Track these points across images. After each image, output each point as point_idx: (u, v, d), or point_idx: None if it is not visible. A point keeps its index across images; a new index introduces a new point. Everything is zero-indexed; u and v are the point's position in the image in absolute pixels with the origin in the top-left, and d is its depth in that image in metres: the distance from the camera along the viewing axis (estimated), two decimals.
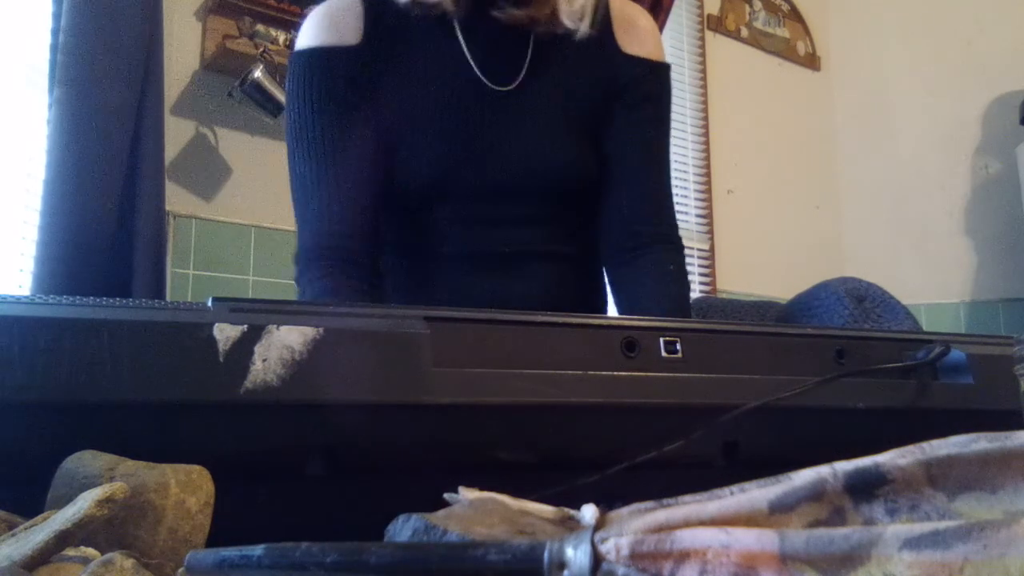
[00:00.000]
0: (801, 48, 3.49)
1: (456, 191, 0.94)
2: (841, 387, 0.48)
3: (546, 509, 0.29)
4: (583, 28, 0.96)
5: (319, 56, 0.92)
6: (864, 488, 0.24)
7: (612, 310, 1.09)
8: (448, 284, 0.96)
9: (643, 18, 1.07)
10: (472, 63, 0.95)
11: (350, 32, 0.93)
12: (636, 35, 1.04)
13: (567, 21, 0.95)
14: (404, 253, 0.98)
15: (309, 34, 0.93)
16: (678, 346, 0.47)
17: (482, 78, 0.95)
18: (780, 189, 3.32)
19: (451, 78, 0.95)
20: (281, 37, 2.25)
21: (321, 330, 0.38)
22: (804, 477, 0.24)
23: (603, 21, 1.02)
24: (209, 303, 0.39)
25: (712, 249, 3.05)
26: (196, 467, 0.32)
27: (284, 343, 0.38)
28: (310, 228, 0.91)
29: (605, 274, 1.06)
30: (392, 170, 0.94)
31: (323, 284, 0.88)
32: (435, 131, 0.94)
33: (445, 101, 0.94)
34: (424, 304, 0.90)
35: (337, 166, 0.90)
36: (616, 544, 0.22)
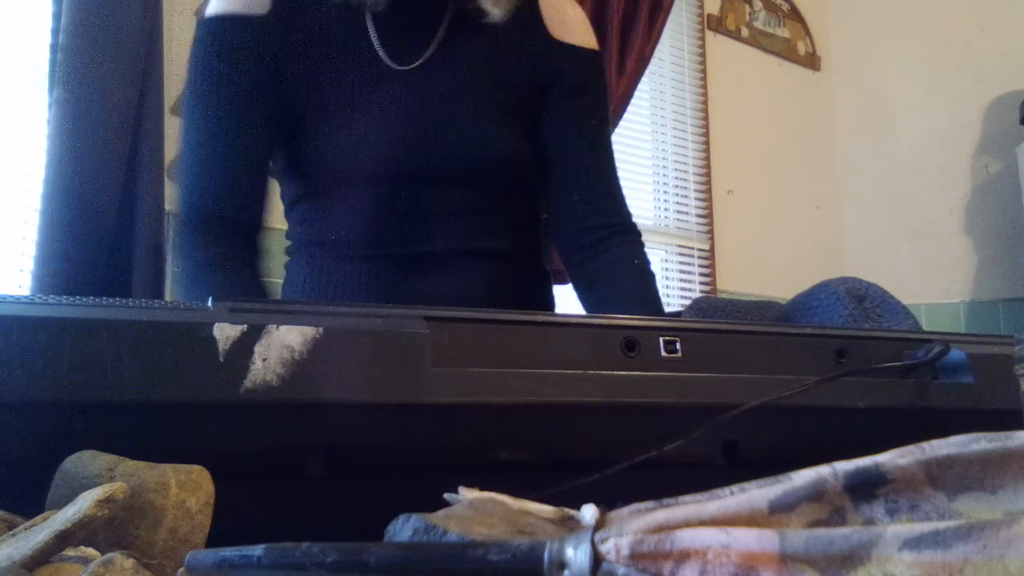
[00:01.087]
0: (801, 48, 3.49)
1: (372, 178, 0.91)
2: (841, 387, 0.48)
3: (546, 509, 0.29)
4: (499, 13, 0.93)
5: (223, 23, 0.90)
6: (864, 488, 0.24)
7: (561, 310, 1.06)
8: (371, 289, 0.91)
9: (572, 7, 1.05)
10: (375, 41, 0.92)
11: (257, 2, 0.90)
12: (567, 23, 1.01)
13: (484, 4, 0.92)
14: (325, 255, 0.94)
15: (216, 1, 0.91)
16: (678, 346, 0.47)
17: (383, 57, 0.92)
18: (780, 189, 3.32)
19: (354, 56, 0.92)
20: None
21: (321, 330, 0.38)
22: (804, 477, 0.24)
23: (531, 10, 0.99)
24: (209, 303, 0.39)
25: (712, 249, 3.05)
26: (196, 467, 0.32)
27: (284, 343, 0.38)
28: (193, 194, 0.89)
29: (567, 273, 1.02)
30: (302, 149, 0.92)
31: (210, 252, 0.88)
32: (339, 111, 0.91)
33: (348, 80, 0.91)
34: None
35: (227, 139, 0.89)
36: (616, 544, 0.22)
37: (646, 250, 1.03)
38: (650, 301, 0.97)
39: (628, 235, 1.00)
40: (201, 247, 0.88)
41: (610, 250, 0.98)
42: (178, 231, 0.91)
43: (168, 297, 2.03)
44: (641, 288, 0.98)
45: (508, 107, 0.96)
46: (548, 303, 1.07)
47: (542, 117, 0.99)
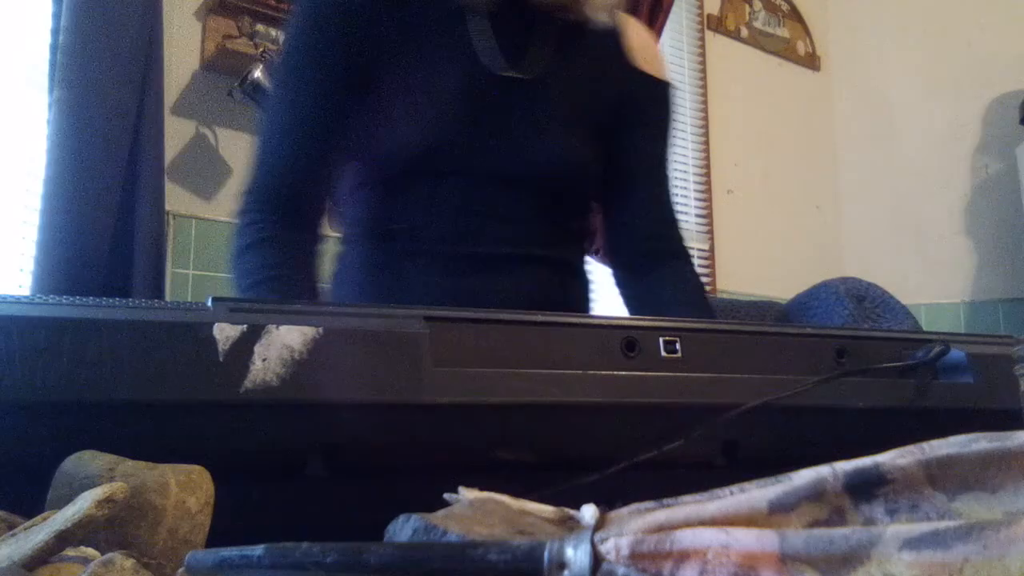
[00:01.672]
0: (801, 48, 3.49)
1: (446, 170, 0.91)
2: (841, 387, 0.48)
3: (546, 509, 0.29)
4: (602, 20, 0.96)
5: (323, 2, 0.90)
6: (864, 488, 0.24)
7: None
8: (425, 286, 0.92)
9: (652, 41, 1.09)
10: (486, 44, 0.93)
11: None
12: (647, 53, 1.05)
13: (592, 11, 0.95)
14: (385, 248, 0.94)
15: None
16: (678, 346, 0.47)
17: (494, 61, 0.93)
18: (780, 189, 3.32)
19: (461, 55, 0.92)
20: (281, 37, 2.25)
21: (321, 330, 0.38)
22: (804, 477, 0.24)
23: (617, 36, 1.03)
24: (209, 303, 0.39)
25: (712, 249, 3.05)
26: (196, 467, 0.32)
27: (284, 343, 0.38)
28: (270, 171, 0.89)
29: (617, 288, 1.05)
30: (386, 141, 0.91)
31: (258, 233, 0.87)
32: (436, 104, 0.91)
33: (451, 76, 0.92)
34: (406, 301, 0.89)
35: (314, 118, 0.89)
36: (616, 544, 0.22)
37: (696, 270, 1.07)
38: (704, 309, 1.01)
39: (681, 258, 1.05)
40: (268, 226, 0.87)
41: (663, 269, 1.02)
42: (245, 203, 0.89)
43: (168, 297, 2.03)
44: (694, 298, 1.02)
45: (589, 124, 0.99)
46: (588, 309, 1.10)
47: (616, 137, 1.02)
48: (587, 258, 1.08)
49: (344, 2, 0.90)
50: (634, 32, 1.05)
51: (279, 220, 0.88)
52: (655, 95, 1.05)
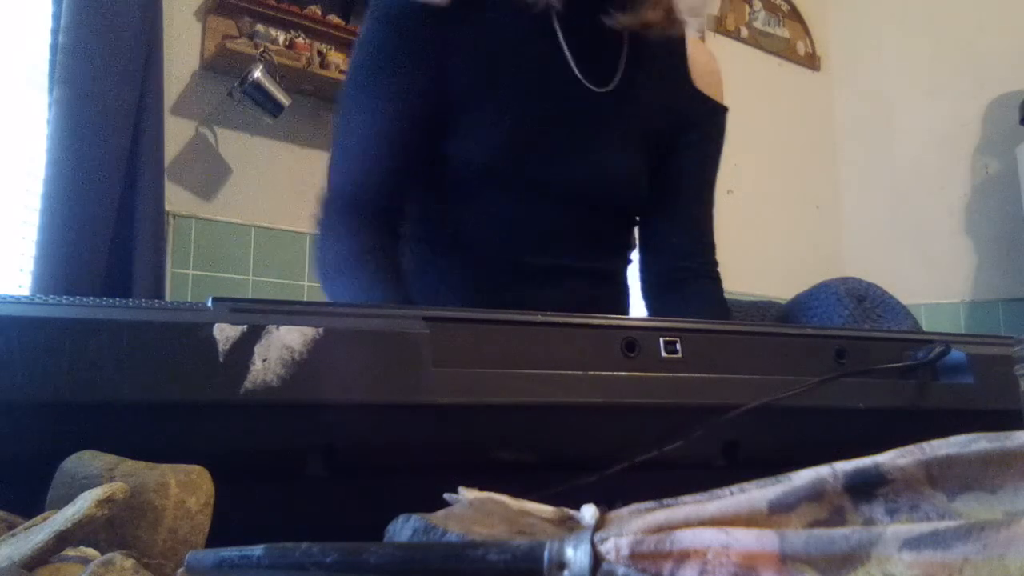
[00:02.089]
0: (801, 48, 3.49)
1: (509, 183, 0.91)
2: (841, 387, 0.48)
3: (546, 509, 0.29)
4: (700, 22, 0.96)
5: (405, 8, 0.88)
6: (864, 488, 0.24)
7: None
8: (476, 290, 0.93)
9: (714, 63, 1.08)
10: (569, 57, 0.92)
11: None
12: (707, 76, 1.05)
13: (685, 15, 0.95)
14: (438, 251, 0.95)
15: None
16: (678, 346, 0.47)
17: (578, 75, 0.92)
18: (780, 189, 3.32)
19: (533, 65, 0.92)
20: (281, 37, 2.25)
21: (321, 330, 0.38)
22: (804, 477, 0.24)
23: (681, 55, 1.03)
24: (209, 303, 0.39)
25: None
26: (196, 467, 0.32)
27: (284, 343, 0.38)
28: (353, 180, 0.89)
29: (644, 300, 1.06)
30: (449, 145, 0.91)
31: (343, 232, 0.87)
32: (504, 114, 0.90)
33: (522, 87, 0.91)
34: (451, 303, 0.89)
35: (393, 123, 0.88)
36: (616, 544, 0.22)
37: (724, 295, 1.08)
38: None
39: (713, 280, 1.05)
40: (352, 234, 0.87)
41: (692, 286, 1.03)
42: (327, 211, 0.89)
43: (168, 297, 2.03)
44: (715, 315, 1.01)
45: (646, 140, 1.00)
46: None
47: (671, 155, 1.02)
48: (628, 266, 1.09)
49: (423, 9, 0.88)
50: (699, 53, 1.05)
51: (367, 229, 0.88)
52: (712, 119, 1.05)
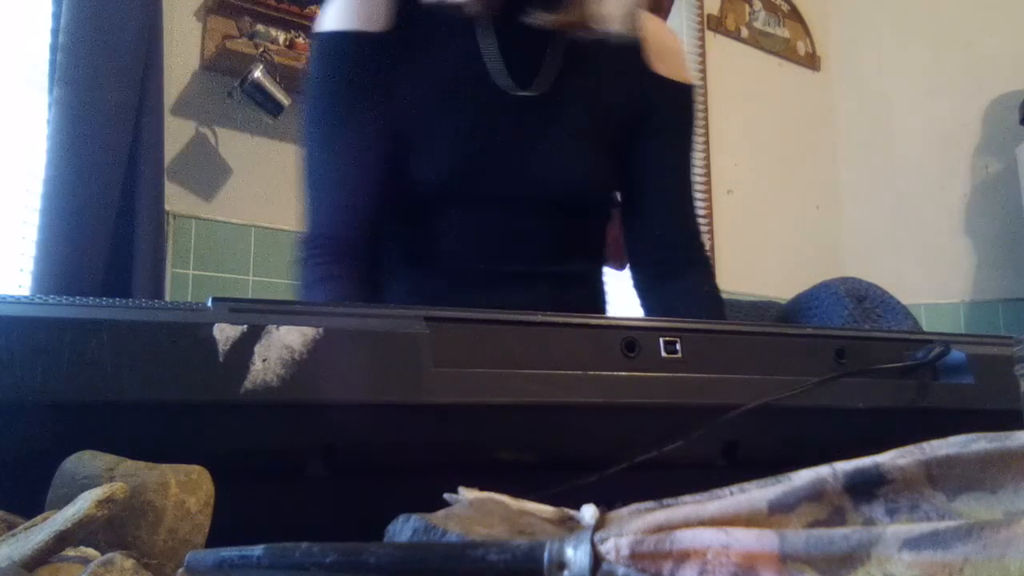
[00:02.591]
0: (801, 48, 3.49)
1: (468, 197, 0.91)
2: (841, 387, 0.48)
3: (546, 509, 0.29)
4: (616, 32, 0.93)
5: (342, 41, 0.89)
6: (864, 488, 0.24)
7: None
8: (450, 298, 0.93)
9: (672, 39, 1.06)
10: (495, 65, 0.92)
11: (376, 18, 0.89)
12: (666, 56, 1.02)
13: (596, 24, 0.93)
14: (409, 262, 0.96)
15: (334, 15, 0.90)
16: (678, 346, 0.47)
17: (504, 81, 0.92)
18: (780, 189, 3.32)
19: (471, 79, 0.92)
20: (281, 37, 2.25)
21: (321, 330, 0.38)
22: (804, 477, 0.24)
23: (634, 39, 1.00)
24: (209, 303, 0.39)
25: (712, 249, 3.05)
26: (196, 467, 0.32)
27: (284, 343, 0.38)
28: (317, 215, 0.89)
29: (637, 295, 1.05)
30: (405, 168, 0.91)
31: (322, 272, 0.87)
32: (451, 132, 0.91)
33: (463, 102, 0.92)
34: None
35: (349, 157, 0.88)
36: (616, 544, 0.22)
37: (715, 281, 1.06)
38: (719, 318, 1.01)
39: (701, 266, 1.03)
40: (324, 266, 0.88)
41: (683, 278, 1.01)
42: (303, 251, 0.90)
43: (168, 297, 2.03)
44: (711, 310, 1.01)
45: (605, 137, 0.98)
46: None
47: (632, 147, 1.00)
48: (603, 267, 1.08)
49: (360, 39, 0.89)
50: (653, 34, 1.02)
51: (342, 263, 0.88)
52: (674, 100, 1.02)
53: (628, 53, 0.99)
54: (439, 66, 0.92)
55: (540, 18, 0.91)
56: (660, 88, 1.01)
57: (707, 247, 1.09)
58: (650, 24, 1.03)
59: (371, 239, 0.92)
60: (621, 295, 1.12)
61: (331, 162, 0.89)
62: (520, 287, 0.93)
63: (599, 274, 1.06)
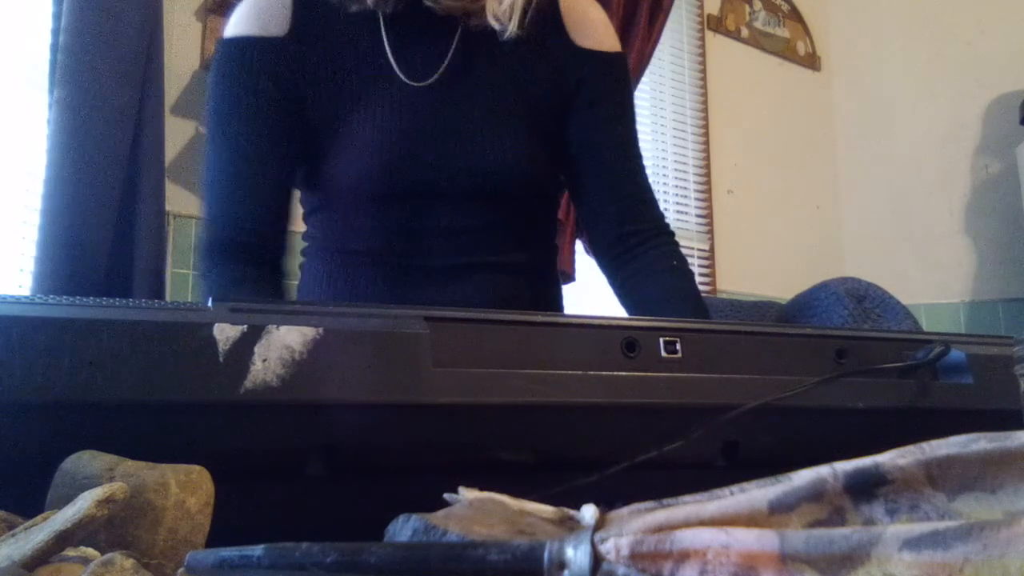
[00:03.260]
0: (801, 48, 3.49)
1: (386, 193, 0.90)
2: (841, 387, 0.48)
3: (546, 509, 0.29)
4: (510, 28, 0.90)
5: (242, 46, 0.89)
6: (864, 488, 0.24)
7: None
8: (388, 297, 0.92)
9: (594, 9, 1.02)
10: (391, 58, 0.91)
11: (276, 23, 0.89)
12: (588, 28, 0.99)
13: (492, 20, 0.90)
14: (345, 262, 0.94)
15: (236, 23, 0.90)
16: (678, 346, 0.47)
17: (399, 73, 0.91)
18: (780, 189, 3.32)
19: (371, 74, 0.91)
20: None
21: (321, 330, 0.38)
22: (804, 477, 0.24)
23: (552, 15, 0.97)
24: (209, 303, 0.39)
25: (712, 249, 3.05)
26: (196, 467, 0.32)
27: (284, 343, 0.38)
28: (219, 220, 0.89)
29: (605, 277, 1.02)
30: (327, 170, 0.91)
31: (235, 275, 0.87)
32: (359, 129, 0.90)
33: (366, 99, 0.90)
34: None
35: (247, 164, 0.88)
36: (616, 544, 0.22)
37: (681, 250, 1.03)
38: (691, 297, 0.97)
39: (663, 236, 1.00)
40: (227, 272, 0.88)
41: (647, 253, 0.98)
42: (201, 256, 0.90)
43: (168, 297, 2.03)
44: (681, 286, 0.97)
45: (529, 119, 0.95)
46: (558, 309, 1.07)
47: (567, 125, 0.98)
48: (555, 256, 1.06)
49: (263, 43, 0.89)
50: (572, 7, 0.99)
51: (234, 267, 0.88)
52: (602, 71, 0.98)
53: (545, 31, 0.96)
54: (343, 65, 0.91)
55: (442, 5, 0.90)
56: (585, 60, 0.98)
57: (666, 216, 1.04)
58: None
59: (272, 241, 0.91)
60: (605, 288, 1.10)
61: (226, 165, 0.89)
62: (458, 280, 0.92)
63: (547, 262, 1.03)
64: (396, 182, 0.90)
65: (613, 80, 1.00)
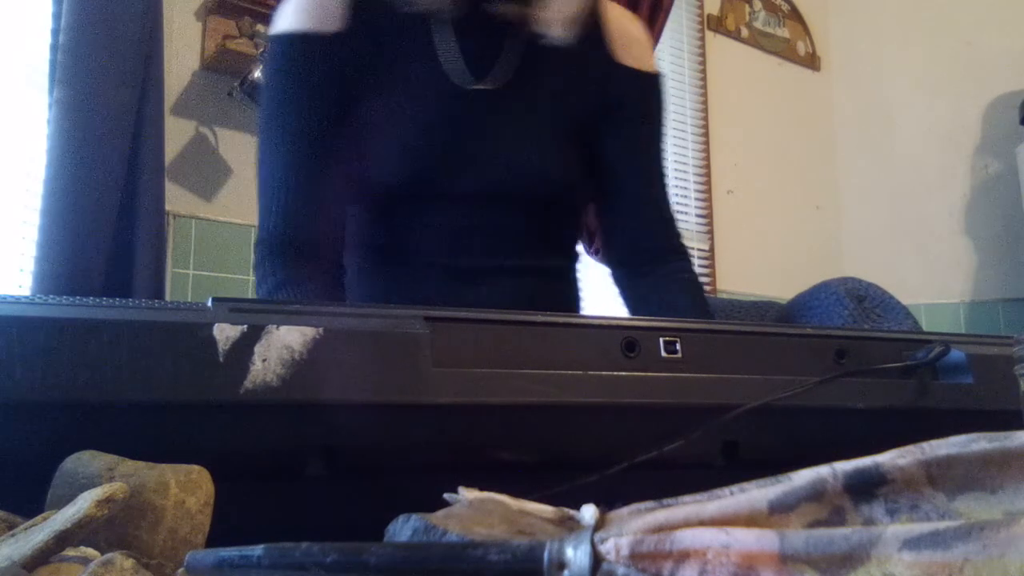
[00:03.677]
0: (801, 48, 3.49)
1: (429, 194, 0.91)
2: (841, 387, 0.48)
3: (546, 509, 0.29)
4: (562, 37, 0.92)
5: (297, 42, 0.89)
6: (864, 488, 0.24)
7: None
8: (414, 295, 0.92)
9: (637, 28, 1.04)
10: (451, 60, 0.91)
11: (332, 18, 0.89)
12: (631, 45, 1.01)
13: (545, 28, 0.92)
14: (374, 259, 0.95)
15: (289, 17, 0.90)
16: (678, 346, 0.46)
17: (463, 76, 0.91)
18: (780, 189, 3.32)
19: (430, 74, 0.91)
20: None
21: (321, 330, 0.38)
22: (804, 477, 0.24)
23: (595, 28, 0.99)
24: (209, 303, 0.39)
25: (712, 249, 3.05)
26: (196, 467, 0.32)
27: (284, 343, 0.38)
28: (275, 219, 0.88)
29: (617, 289, 1.04)
30: (367, 167, 0.91)
31: (284, 276, 0.86)
32: (411, 130, 0.90)
33: (423, 98, 0.91)
34: None
35: (307, 159, 0.88)
36: (616, 544, 0.22)
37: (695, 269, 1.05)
38: (701, 312, 1.00)
39: (679, 255, 1.02)
40: (282, 269, 0.87)
41: (660, 268, 1.00)
42: (258, 254, 0.89)
43: (168, 297, 2.03)
44: (692, 301, 1.00)
45: (568, 129, 0.97)
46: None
47: (601, 139, 0.99)
48: (577, 263, 1.07)
49: (316, 39, 0.88)
50: (617, 24, 1.01)
51: (298, 265, 0.87)
52: (640, 90, 1.01)
53: (589, 44, 0.97)
54: (397, 64, 0.91)
55: (502, 10, 0.90)
56: (627, 79, 0.99)
57: (685, 237, 1.06)
58: (614, 14, 1.02)
59: (331, 239, 0.91)
60: (607, 290, 1.11)
61: (288, 164, 0.88)
62: (491, 283, 0.93)
63: (572, 268, 1.04)
64: (438, 182, 0.90)
65: (650, 100, 1.03)
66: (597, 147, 0.99)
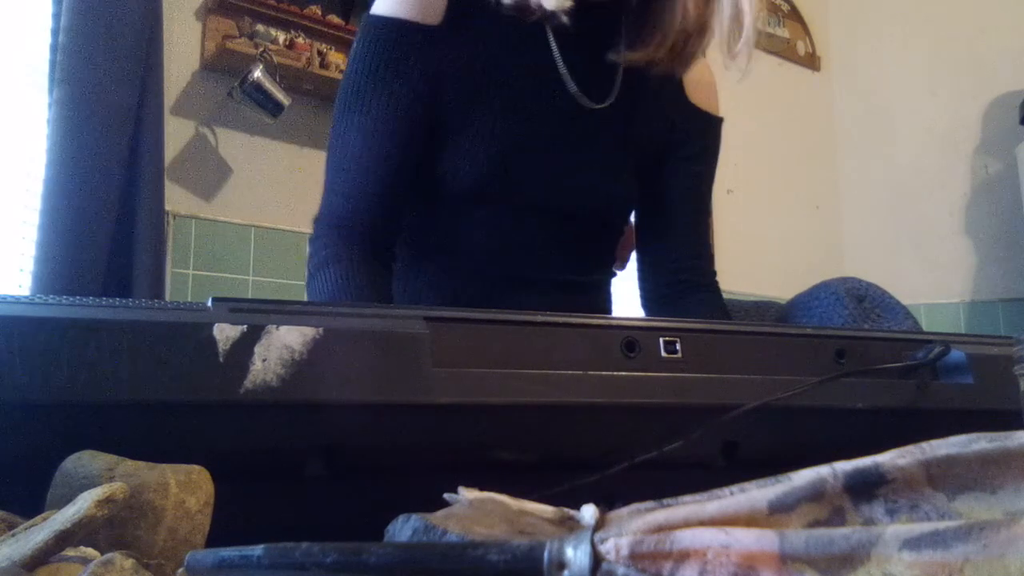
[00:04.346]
0: (801, 48, 3.49)
1: (494, 199, 0.91)
2: (841, 387, 0.48)
3: (546, 509, 0.29)
4: (677, 70, 0.95)
5: (394, 28, 0.87)
6: (864, 488, 0.24)
7: None
8: (458, 296, 0.94)
9: (708, 72, 1.08)
10: (565, 73, 0.92)
11: (432, 11, 0.88)
12: (703, 88, 1.05)
13: (678, 66, 0.94)
14: (424, 253, 0.96)
15: (390, 1, 0.89)
16: (678, 346, 0.46)
17: (573, 91, 0.92)
18: (780, 189, 3.32)
19: (535, 82, 0.91)
20: (281, 37, 2.26)
21: (321, 330, 0.38)
22: (804, 477, 0.24)
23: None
24: (209, 303, 0.39)
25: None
26: (196, 467, 0.32)
27: (284, 343, 0.38)
28: (338, 199, 0.88)
29: (645, 313, 1.07)
30: (439, 162, 0.90)
31: (329, 253, 0.86)
32: (495, 133, 0.90)
33: (522, 105, 0.91)
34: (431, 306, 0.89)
35: (383, 145, 0.87)
36: (616, 544, 0.22)
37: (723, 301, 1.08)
38: None
39: (710, 290, 1.05)
40: (334, 245, 0.87)
41: (691, 297, 1.03)
42: (316, 228, 0.89)
43: (168, 297, 2.03)
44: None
45: (635, 157, 1.00)
46: None
47: (660, 171, 1.03)
48: (613, 276, 1.10)
49: (414, 28, 0.88)
50: (694, 66, 1.03)
51: (350, 245, 0.87)
52: (704, 131, 1.05)
53: (672, 79, 1.00)
54: (492, 66, 0.90)
55: (626, 58, 0.92)
56: (693, 117, 1.03)
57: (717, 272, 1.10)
58: None
59: (386, 225, 0.90)
60: (625, 298, 1.14)
61: (363, 146, 0.87)
62: (535, 293, 0.94)
63: (609, 281, 1.08)
64: (510, 190, 0.91)
65: (711, 142, 1.06)
66: (655, 177, 1.02)
